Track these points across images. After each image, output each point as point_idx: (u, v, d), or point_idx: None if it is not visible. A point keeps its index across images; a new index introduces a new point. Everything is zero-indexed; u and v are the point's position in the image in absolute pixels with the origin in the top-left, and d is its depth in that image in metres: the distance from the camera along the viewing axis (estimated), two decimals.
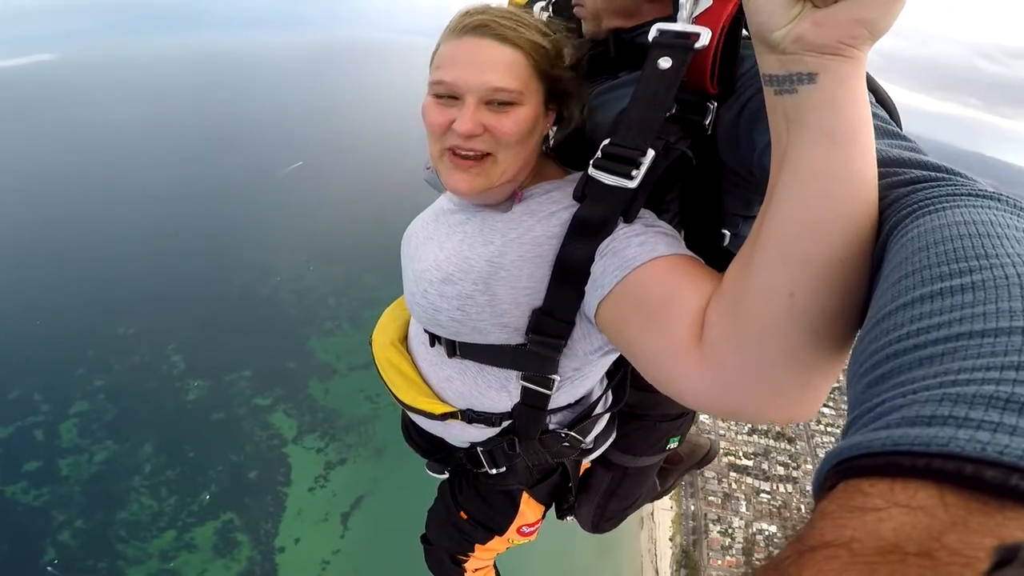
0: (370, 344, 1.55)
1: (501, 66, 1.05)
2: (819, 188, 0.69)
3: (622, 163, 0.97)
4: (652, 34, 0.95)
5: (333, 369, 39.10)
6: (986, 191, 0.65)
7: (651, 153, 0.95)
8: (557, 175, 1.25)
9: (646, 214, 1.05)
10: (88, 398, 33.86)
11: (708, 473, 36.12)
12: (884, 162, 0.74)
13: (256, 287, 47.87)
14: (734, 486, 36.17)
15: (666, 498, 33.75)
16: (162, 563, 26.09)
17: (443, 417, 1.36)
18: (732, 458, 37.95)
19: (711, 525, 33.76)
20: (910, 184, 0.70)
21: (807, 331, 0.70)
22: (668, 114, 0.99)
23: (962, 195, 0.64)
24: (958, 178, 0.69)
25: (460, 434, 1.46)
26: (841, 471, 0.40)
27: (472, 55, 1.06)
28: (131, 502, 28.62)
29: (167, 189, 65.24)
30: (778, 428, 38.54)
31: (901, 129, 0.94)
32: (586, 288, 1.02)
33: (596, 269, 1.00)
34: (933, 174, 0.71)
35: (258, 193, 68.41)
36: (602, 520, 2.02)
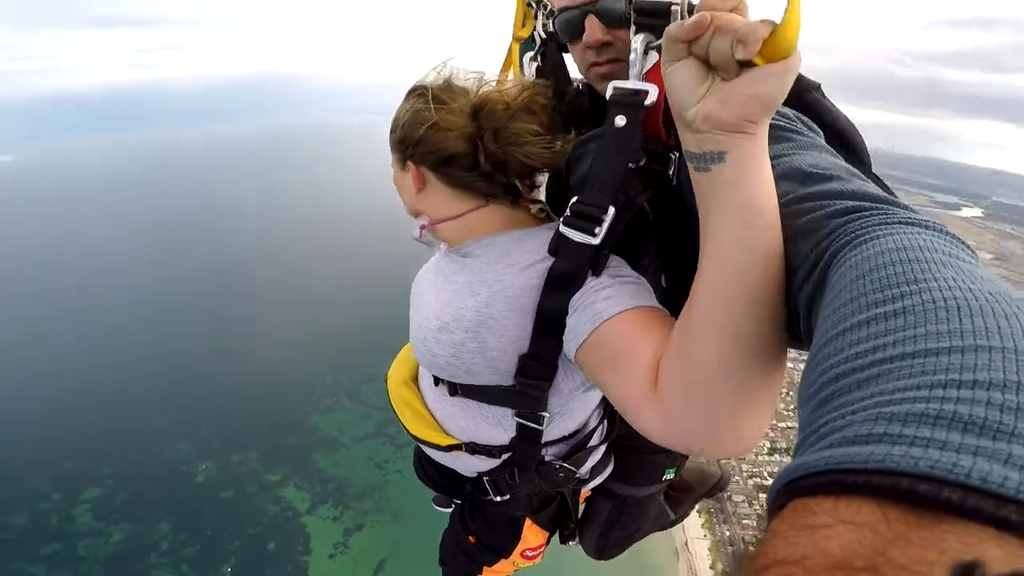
0: (385, 380, 1.61)
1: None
2: (731, 263, 0.78)
3: (587, 221, 1.03)
4: (608, 92, 1.01)
5: (338, 442, 38.45)
6: (912, 218, 0.69)
7: (612, 211, 1.01)
8: (523, 220, 1.30)
9: (614, 263, 1.11)
10: (98, 484, 32.22)
11: (736, 497, 35.86)
12: (817, 195, 0.79)
13: (250, 371, 47.41)
14: (765, 506, 36.01)
15: (698, 527, 33.47)
16: None
17: (448, 449, 1.43)
18: (757, 479, 37.78)
19: (751, 548, 33.42)
20: (844, 215, 0.73)
21: (735, 384, 0.80)
22: (636, 165, 1.04)
23: (892, 223, 0.68)
24: (888, 207, 0.73)
25: (466, 464, 1.51)
26: (790, 490, 0.40)
27: None
28: None
29: (145, 286, 64.82)
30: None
31: (867, 155, 1.17)
32: (563, 338, 1.09)
33: (570, 321, 1.07)
34: (864, 204, 0.74)
35: (234, 280, 68.26)
36: (606, 547, 2.01)
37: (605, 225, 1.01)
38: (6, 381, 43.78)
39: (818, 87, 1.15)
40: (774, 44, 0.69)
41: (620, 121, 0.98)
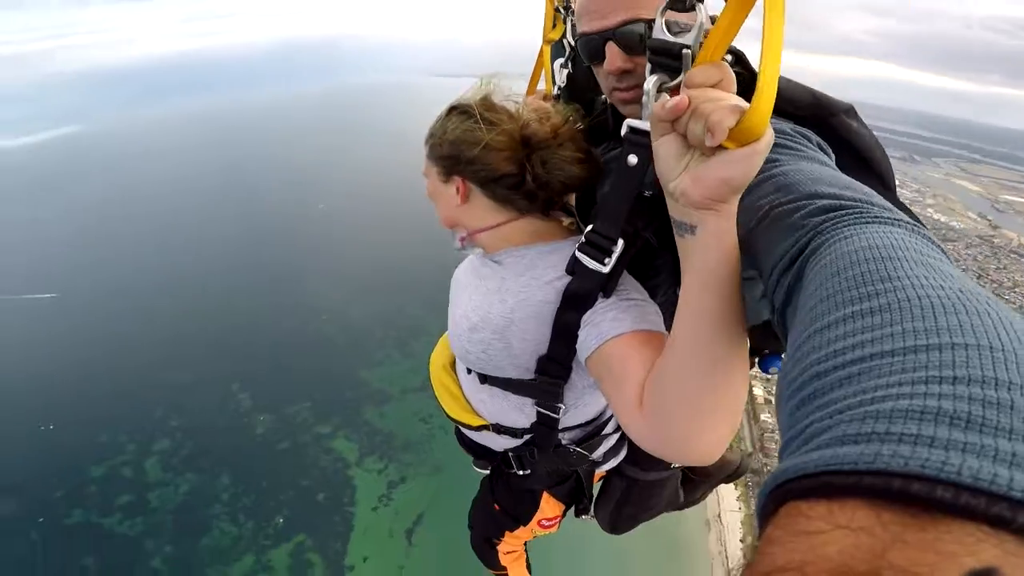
0: (428, 365, 1.82)
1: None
2: (693, 314, 0.92)
3: (598, 250, 1.16)
4: (623, 130, 1.05)
5: (387, 394, 39.76)
6: (886, 217, 0.73)
7: (621, 243, 1.15)
8: (553, 233, 1.44)
9: (624, 285, 1.25)
10: (168, 436, 35.07)
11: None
12: (797, 198, 0.85)
13: (305, 326, 49.17)
14: (755, 510, 34.87)
15: (733, 500, 33.07)
16: None
17: (478, 428, 1.65)
18: None
19: (748, 556, 32.53)
20: (821, 213, 0.78)
21: (701, 405, 0.95)
22: (650, 194, 1.16)
23: (865, 222, 0.71)
24: (864, 205, 0.77)
25: (493, 442, 1.72)
26: (781, 494, 0.40)
27: None
28: (213, 529, 29.36)
29: (207, 244, 67.61)
30: None
31: (891, 177, 1.24)
32: (576, 347, 1.26)
33: (581, 334, 1.23)
34: (841, 203, 0.78)
35: (292, 238, 70.19)
36: (618, 523, 2.14)
37: (614, 256, 1.15)
38: (87, 338, 47.63)
39: (848, 110, 1.20)
40: (742, 131, 0.76)
41: (632, 160, 1.05)
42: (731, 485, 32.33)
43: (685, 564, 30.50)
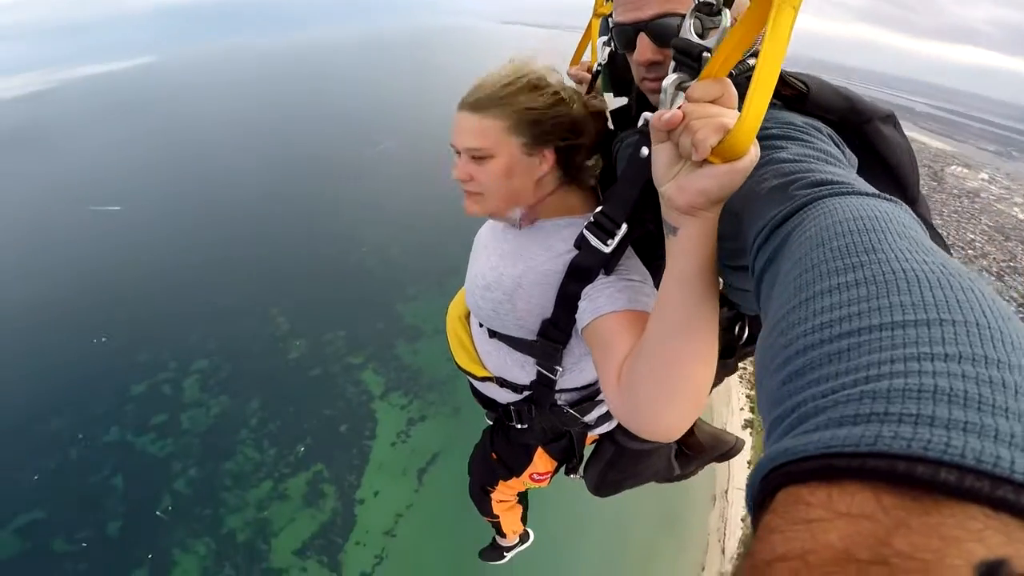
0: (446, 313, 1.99)
1: (471, 131, 1.37)
2: (669, 307, 0.99)
3: (603, 232, 1.24)
4: (640, 122, 1.08)
5: (419, 331, 39.66)
6: (871, 191, 0.74)
7: (624, 228, 1.23)
8: (580, 208, 1.50)
9: (625, 265, 1.33)
10: (207, 356, 36.75)
11: None
12: (786, 172, 0.88)
13: (346, 256, 49.53)
14: (746, 494, 32.86)
15: (742, 477, 31.60)
16: (257, 512, 27.90)
17: (483, 379, 1.79)
18: None
19: (746, 546, 30.89)
20: (810, 187, 0.79)
21: (669, 386, 1.01)
22: None
23: (852, 194, 0.72)
24: (855, 183, 0.78)
25: (496, 394, 1.83)
26: (778, 477, 0.39)
27: (456, 124, 1.41)
28: (237, 453, 30.77)
29: (264, 173, 69.23)
30: None
31: (916, 190, 1.24)
32: (576, 316, 1.34)
33: (581, 305, 1.32)
34: (830, 178, 0.80)
35: (348, 171, 71.15)
36: (602, 485, 2.22)
37: (617, 239, 1.24)
38: (144, 252, 50.20)
39: (885, 117, 1.20)
40: (724, 149, 0.81)
41: (645, 152, 1.10)
42: (743, 463, 31.09)
43: (683, 537, 29.92)
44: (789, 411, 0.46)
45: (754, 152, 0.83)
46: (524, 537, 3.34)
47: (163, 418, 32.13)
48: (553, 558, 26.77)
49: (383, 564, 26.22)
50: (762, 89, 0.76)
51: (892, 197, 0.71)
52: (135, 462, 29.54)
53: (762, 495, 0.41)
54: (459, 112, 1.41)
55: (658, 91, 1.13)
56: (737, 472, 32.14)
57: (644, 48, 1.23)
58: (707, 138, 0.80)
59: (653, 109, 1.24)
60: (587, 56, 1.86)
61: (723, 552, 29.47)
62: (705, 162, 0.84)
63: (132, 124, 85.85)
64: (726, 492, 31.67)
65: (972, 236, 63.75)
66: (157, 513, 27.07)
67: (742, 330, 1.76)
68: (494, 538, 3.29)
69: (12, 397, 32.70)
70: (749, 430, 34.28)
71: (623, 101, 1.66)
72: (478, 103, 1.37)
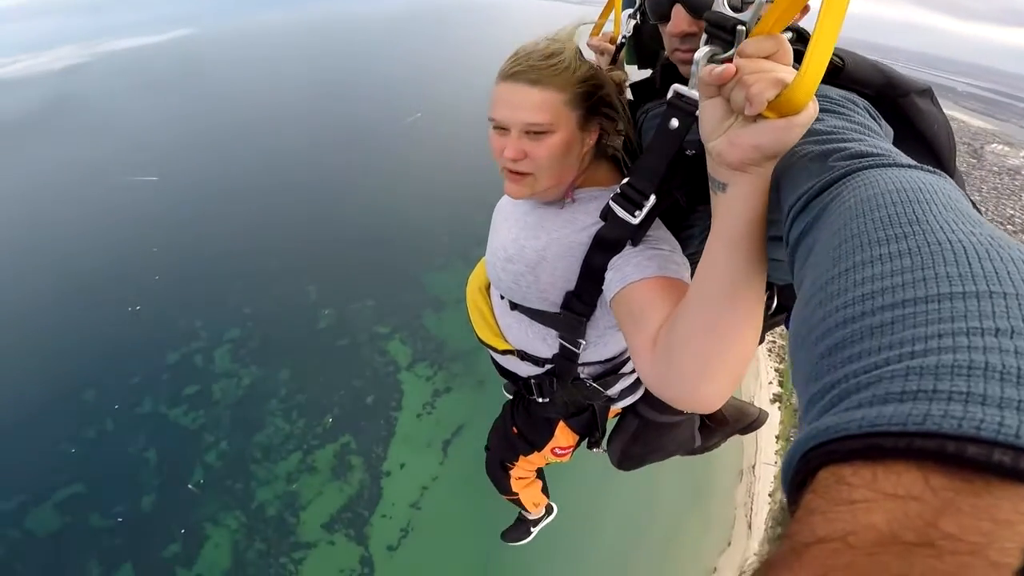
0: (466, 285, 1.96)
1: (532, 105, 1.28)
2: (713, 269, 0.95)
3: (630, 203, 1.22)
4: (669, 94, 1.08)
5: (444, 302, 39.48)
6: (914, 164, 0.71)
7: (652, 199, 1.21)
8: (605, 180, 1.48)
9: (653, 234, 1.30)
10: (239, 325, 37.06)
11: None
12: (826, 141, 0.84)
13: (373, 225, 49.39)
14: (782, 471, 32.32)
15: (771, 452, 31.65)
16: (287, 484, 28.38)
17: (504, 353, 1.78)
18: None
19: (781, 528, 30.41)
20: (848, 159, 0.76)
21: (707, 360, 0.97)
22: (691, 153, 1.19)
23: (893, 165, 0.69)
24: (895, 155, 0.75)
25: (517, 367, 1.82)
26: (819, 456, 0.38)
27: (511, 98, 1.30)
28: (267, 425, 31.19)
29: (296, 144, 68.95)
30: None
31: (951, 166, 1.20)
32: (603, 287, 1.33)
33: (608, 276, 1.30)
34: (874, 150, 0.77)
35: (378, 142, 70.94)
36: (625, 459, 2.19)
37: (645, 210, 1.22)
38: (178, 221, 50.41)
39: (922, 91, 1.17)
40: (782, 103, 0.78)
41: (674, 123, 1.10)
42: (771, 437, 31.50)
43: (709, 511, 29.79)
44: (829, 387, 0.44)
45: (812, 108, 0.80)
46: (549, 510, 3.35)
47: (195, 389, 32.64)
48: (577, 533, 26.84)
49: (408, 537, 26.61)
50: (824, 40, 0.72)
51: (935, 169, 0.68)
52: (168, 434, 30.15)
53: (801, 474, 0.39)
54: (508, 83, 1.31)
55: (690, 62, 1.10)
56: (765, 446, 31.80)
57: (679, 19, 1.21)
58: (763, 91, 0.77)
59: (680, 81, 1.21)
60: (608, 26, 1.85)
61: (750, 527, 29.23)
62: (759, 117, 0.81)
63: (169, 97, 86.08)
64: (753, 467, 31.40)
65: (1012, 212, 63.26)
66: (189, 487, 27.72)
67: (771, 300, 1.66)
68: (519, 515, 3.32)
69: (49, 369, 33.44)
70: (777, 404, 33.82)
71: (645, 73, 1.64)
72: (535, 74, 1.28)
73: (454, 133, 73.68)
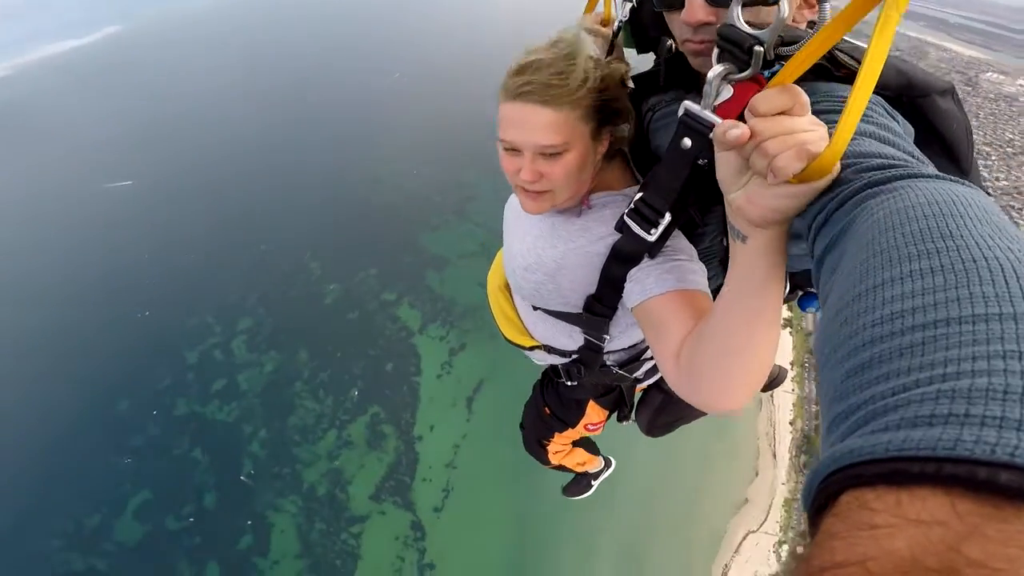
0: (484, 286, 2.04)
1: (546, 127, 1.25)
2: (732, 305, 1.00)
3: (646, 221, 1.23)
4: (680, 111, 1.04)
5: (446, 260, 40.11)
6: (941, 175, 0.68)
7: (667, 217, 1.21)
8: (617, 181, 1.49)
9: (671, 243, 1.32)
10: (249, 314, 37.61)
11: None
12: (851, 152, 0.81)
13: (366, 194, 48.99)
14: (803, 494, 32.53)
15: (788, 380, 32.13)
16: (329, 462, 30.00)
17: (531, 348, 1.86)
18: None
19: (801, 550, 30.90)
20: (875, 170, 0.75)
21: (729, 376, 1.03)
22: (702, 163, 1.10)
23: (923, 176, 0.67)
24: (921, 164, 0.76)
25: (544, 359, 1.91)
26: (842, 479, 0.37)
27: (523, 120, 1.26)
28: (297, 407, 32.47)
29: (269, 122, 66.03)
30: None
31: (969, 164, 1.18)
32: (623, 295, 1.36)
33: (627, 287, 1.34)
34: (895, 160, 0.76)
35: (359, 110, 67.77)
36: (653, 428, 2.34)
37: (660, 228, 1.25)
38: (164, 221, 49.39)
39: (944, 91, 1.16)
40: (807, 173, 0.77)
41: (687, 143, 1.08)
42: (786, 364, 31.90)
43: (733, 442, 31.21)
44: (855, 408, 0.43)
45: (836, 169, 0.79)
46: (608, 463, 3.47)
47: (222, 384, 33.56)
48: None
49: (451, 496, 28.59)
50: (856, 107, 0.72)
51: (963, 180, 0.66)
52: (209, 431, 31.36)
53: (823, 497, 0.39)
54: (518, 104, 1.26)
55: (702, 54, 1.15)
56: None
57: (695, 8, 1.13)
58: (788, 165, 0.77)
59: (685, 74, 1.29)
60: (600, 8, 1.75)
61: (774, 457, 30.38)
62: None
63: (116, 98, 79.74)
64: (772, 396, 32.43)
65: (1011, 136, 61.51)
66: (242, 478, 29.33)
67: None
68: (576, 472, 3.37)
69: (79, 388, 34.00)
70: (788, 329, 34.85)
71: (645, 58, 1.61)
72: (546, 94, 1.23)
73: (433, 93, 70.83)
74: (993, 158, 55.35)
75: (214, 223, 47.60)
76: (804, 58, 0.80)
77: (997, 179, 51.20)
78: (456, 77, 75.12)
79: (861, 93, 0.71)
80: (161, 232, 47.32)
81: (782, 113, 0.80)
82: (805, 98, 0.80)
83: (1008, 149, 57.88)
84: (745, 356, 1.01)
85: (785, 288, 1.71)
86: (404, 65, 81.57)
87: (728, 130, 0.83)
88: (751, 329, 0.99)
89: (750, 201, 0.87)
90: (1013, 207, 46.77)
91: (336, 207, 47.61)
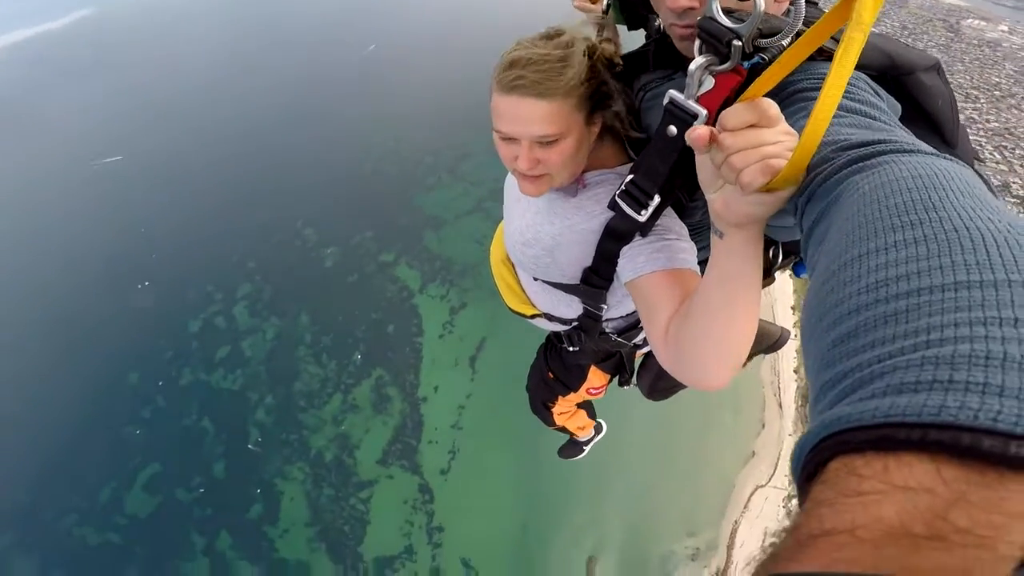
0: (489, 251, 2.08)
1: (542, 118, 1.30)
2: (712, 293, 1.05)
3: (636, 203, 1.27)
4: (665, 100, 1.08)
5: (442, 219, 39.50)
6: (927, 149, 0.71)
7: (657, 199, 1.26)
8: (611, 158, 1.54)
9: (661, 222, 1.38)
10: (248, 280, 37.43)
11: None
12: (834, 128, 0.83)
13: (357, 159, 47.99)
14: (792, 460, 31.31)
15: (789, 325, 30.60)
16: (335, 427, 30.21)
17: (533, 317, 1.94)
18: None
19: (791, 520, 29.93)
20: (859, 146, 0.76)
21: (713, 347, 1.09)
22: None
23: (908, 151, 0.68)
24: (904, 141, 0.75)
25: (546, 326, 1.99)
26: (830, 446, 0.37)
27: (518, 113, 1.31)
28: (302, 372, 32.50)
29: (253, 97, 63.85)
30: None
31: (953, 138, 1.19)
32: (616, 270, 1.44)
33: (620, 262, 1.40)
34: (879, 137, 0.77)
35: (341, 78, 66.09)
36: (654, 391, 2.44)
37: (651, 209, 1.30)
38: (158, 193, 48.65)
39: (929, 67, 1.17)
40: (773, 184, 0.80)
41: (672, 131, 1.12)
42: (787, 309, 31.58)
43: (738, 393, 31.01)
44: (841, 376, 0.44)
45: (800, 180, 0.81)
46: (598, 428, 3.57)
47: (226, 351, 33.54)
48: (613, 432, 27.51)
49: (457, 458, 28.88)
50: (818, 126, 0.74)
51: (947, 156, 0.68)
52: (215, 400, 31.55)
53: (812, 465, 0.39)
54: (512, 97, 1.30)
55: (688, 38, 1.18)
56: (782, 324, 31.04)
57: None
58: (753, 180, 0.80)
59: (675, 55, 1.34)
60: None
61: (780, 407, 30.21)
62: None
63: (93, 80, 76.44)
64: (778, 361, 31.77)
65: (997, 79, 61.17)
66: (250, 447, 29.68)
67: (776, 253, 1.80)
68: (571, 435, 3.48)
69: (90, 362, 34.21)
70: (789, 272, 33.34)
71: (635, 35, 1.69)
72: (541, 86, 1.28)
73: (413, 60, 68.44)
74: (982, 101, 55.93)
75: (206, 195, 46.81)
76: (770, 76, 0.84)
77: (988, 121, 51.37)
78: (434, 45, 72.64)
79: (822, 115, 0.72)
80: (154, 206, 46.46)
81: (752, 126, 0.82)
82: (774, 111, 0.83)
83: (996, 92, 57.61)
84: (726, 333, 1.07)
85: (779, 257, 1.77)
86: (379, 36, 79.06)
87: (691, 132, 0.88)
88: (731, 309, 1.04)
89: (726, 206, 0.91)
90: (1005, 147, 47.45)
91: (326, 174, 46.59)
